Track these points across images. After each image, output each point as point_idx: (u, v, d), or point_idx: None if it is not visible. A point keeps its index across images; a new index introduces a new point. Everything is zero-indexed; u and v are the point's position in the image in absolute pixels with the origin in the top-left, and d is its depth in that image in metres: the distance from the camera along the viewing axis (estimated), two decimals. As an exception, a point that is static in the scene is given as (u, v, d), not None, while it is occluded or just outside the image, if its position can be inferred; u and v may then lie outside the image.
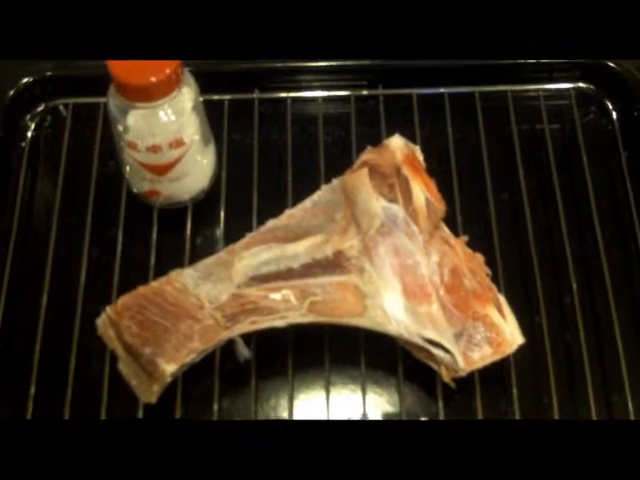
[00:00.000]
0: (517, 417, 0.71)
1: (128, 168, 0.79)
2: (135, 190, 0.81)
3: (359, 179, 0.74)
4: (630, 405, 0.72)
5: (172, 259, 0.77)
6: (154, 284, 0.71)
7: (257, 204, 0.81)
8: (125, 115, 0.73)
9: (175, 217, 0.81)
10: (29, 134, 0.88)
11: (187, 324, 0.69)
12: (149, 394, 0.69)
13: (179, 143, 0.75)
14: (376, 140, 0.79)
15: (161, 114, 0.73)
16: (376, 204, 0.73)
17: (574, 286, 0.77)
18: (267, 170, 0.84)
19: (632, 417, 0.72)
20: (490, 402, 0.73)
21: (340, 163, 0.78)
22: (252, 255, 0.73)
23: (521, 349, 0.72)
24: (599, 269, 0.78)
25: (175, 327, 0.69)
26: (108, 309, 0.70)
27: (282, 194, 0.81)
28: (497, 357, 0.71)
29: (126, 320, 0.69)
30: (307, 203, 0.76)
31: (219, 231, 0.80)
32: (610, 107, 0.89)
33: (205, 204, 0.82)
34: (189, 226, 0.80)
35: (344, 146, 0.84)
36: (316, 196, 0.76)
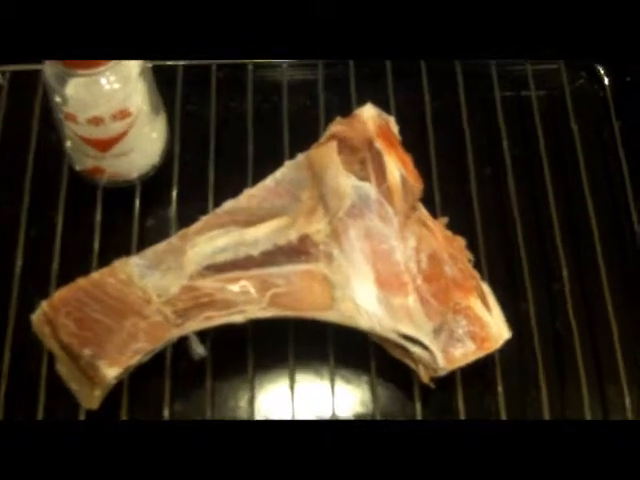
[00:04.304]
0: (503, 416, 0.67)
1: (69, 143, 0.73)
2: (77, 167, 0.75)
3: (327, 154, 0.68)
4: (627, 400, 0.68)
5: (118, 245, 0.71)
6: (95, 275, 0.64)
7: (214, 183, 0.74)
8: (64, 84, 0.67)
9: (122, 197, 0.75)
10: (-38, 104, 0.81)
11: (132, 321, 0.63)
12: (90, 400, 0.63)
13: (124, 114, 0.68)
14: (346, 110, 0.73)
15: (103, 82, 0.67)
16: (346, 182, 0.67)
17: (564, 271, 0.72)
18: (225, 144, 0.78)
19: (629, 413, 0.68)
20: (473, 401, 0.68)
21: (306, 136, 0.72)
22: (206, 241, 0.66)
23: (506, 343, 0.67)
24: (591, 252, 0.73)
25: (118, 325, 0.62)
26: (43, 304, 0.63)
27: (242, 171, 0.74)
28: (481, 354, 0.65)
29: (62, 317, 0.62)
30: (269, 182, 0.69)
31: (171, 214, 0.73)
32: (601, 72, 0.83)
33: (155, 183, 0.76)
34: (137, 208, 0.74)
35: (311, 117, 0.77)
36: (279, 173, 0.69)
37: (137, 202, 0.74)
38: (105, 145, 0.70)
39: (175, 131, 0.77)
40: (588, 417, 0.67)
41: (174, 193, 0.74)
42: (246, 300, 0.64)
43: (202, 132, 0.77)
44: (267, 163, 0.71)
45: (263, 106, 0.80)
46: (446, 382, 0.66)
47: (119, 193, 0.75)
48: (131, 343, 0.62)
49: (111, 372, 0.61)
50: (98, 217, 0.73)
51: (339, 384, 0.69)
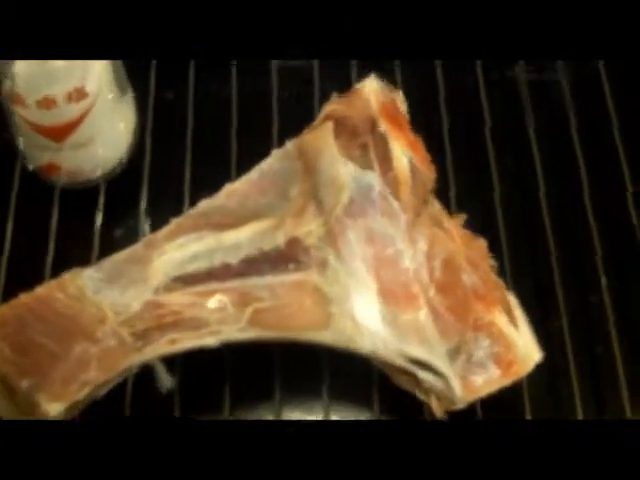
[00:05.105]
0: None
1: (21, 137, 0.65)
2: (31, 165, 0.66)
3: (321, 138, 0.58)
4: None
5: (77, 258, 0.60)
6: (40, 290, 0.55)
7: (190, 181, 0.65)
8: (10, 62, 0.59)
9: (83, 200, 0.65)
10: None
11: (81, 346, 0.53)
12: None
13: (80, 94, 0.60)
14: (345, 90, 0.63)
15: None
16: (344, 171, 0.57)
17: (603, 281, 0.63)
18: (205, 135, 0.68)
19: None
20: None
21: (300, 122, 0.62)
22: (176, 248, 0.57)
23: (536, 367, 0.57)
24: (635, 257, 0.65)
25: (64, 350, 0.53)
26: (-23, 325, 0.54)
27: (224, 167, 0.65)
28: (507, 381, 0.56)
29: (-1, 340, 0.53)
30: (252, 175, 0.59)
31: (141, 220, 0.64)
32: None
33: (123, 183, 0.67)
34: (101, 213, 0.64)
35: (305, 99, 0.69)
36: (265, 165, 0.59)
37: (101, 206, 0.64)
38: (60, 133, 0.61)
39: (147, 120, 0.68)
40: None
41: (144, 195, 0.65)
42: (221, 318, 0.54)
43: (178, 121, 0.68)
44: (255, 156, 0.61)
45: (249, 90, 0.71)
46: (464, 417, 0.57)
47: (80, 195, 0.65)
48: (79, 373, 0.52)
49: (53, 408, 0.51)
50: (54, 224, 0.63)
51: (335, 423, 0.60)
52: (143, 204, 0.64)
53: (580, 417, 0.58)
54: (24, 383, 0.51)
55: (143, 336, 0.53)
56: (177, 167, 0.66)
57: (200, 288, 0.55)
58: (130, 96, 0.66)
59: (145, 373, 0.55)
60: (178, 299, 0.54)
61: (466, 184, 0.66)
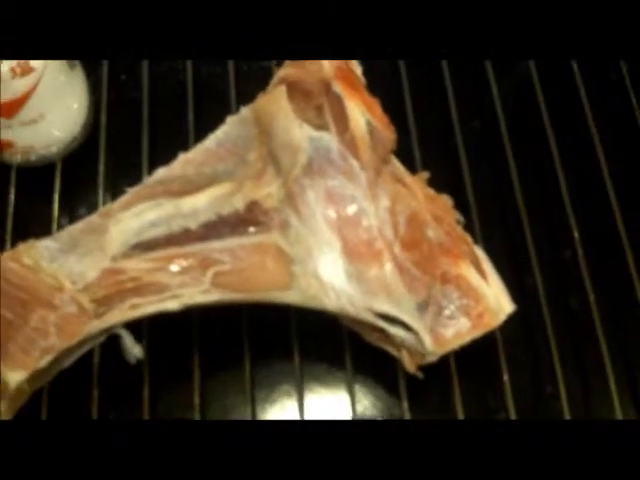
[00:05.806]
0: (512, 415, 0.56)
1: None
2: None
3: (274, 101, 0.56)
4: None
5: (40, 235, 0.57)
6: None
7: (148, 154, 0.63)
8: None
9: (40, 178, 0.63)
10: None
11: (39, 314, 0.51)
12: (-5, 415, 0.51)
13: (25, 69, 0.57)
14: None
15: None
16: (299, 134, 0.55)
17: (575, 234, 0.61)
18: (162, 106, 0.67)
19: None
20: (473, 397, 0.58)
21: (255, 90, 0.59)
22: (133, 216, 0.55)
23: (511, 322, 0.55)
24: (607, 209, 0.62)
25: (22, 320, 0.51)
26: None
27: (183, 137, 0.64)
28: (478, 332, 0.53)
29: (-48, 313, 0.51)
30: (209, 143, 0.57)
31: (99, 196, 0.62)
32: None
33: (79, 160, 0.65)
34: (57, 191, 0.63)
35: (260, 69, 0.68)
36: (221, 132, 0.57)
37: (57, 184, 0.63)
38: (9, 109, 0.59)
39: (102, 96, 0.65)
40: (619, 415, 0.56)
41: (101, 171, 0.63)
42: (182, 282, 0.52)
43: (133, 96, 0.67)
44: (211, 125, 0.58)
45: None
46: (438, 372, 0.55)
47: (37, 174, 0.63)
48: (39, 340, 0.50)
49: (14, 377, 0.50)
50: (11, 205, 0.62)
51: (308, 384, 0.59)
52: (101, 180, 0.62)
53: (559, 373, 0.56)
54: (-20, 354, 0.49)
55: (104, 302, 0.51)
56: (134, 142, 0.64)
57: (159, 254, 0.53)
58: (80, 73, 0.64)
59: (112, 344, 0.53)
60: (137, 265, 0.52)
61: (429, 148, 0.63)
